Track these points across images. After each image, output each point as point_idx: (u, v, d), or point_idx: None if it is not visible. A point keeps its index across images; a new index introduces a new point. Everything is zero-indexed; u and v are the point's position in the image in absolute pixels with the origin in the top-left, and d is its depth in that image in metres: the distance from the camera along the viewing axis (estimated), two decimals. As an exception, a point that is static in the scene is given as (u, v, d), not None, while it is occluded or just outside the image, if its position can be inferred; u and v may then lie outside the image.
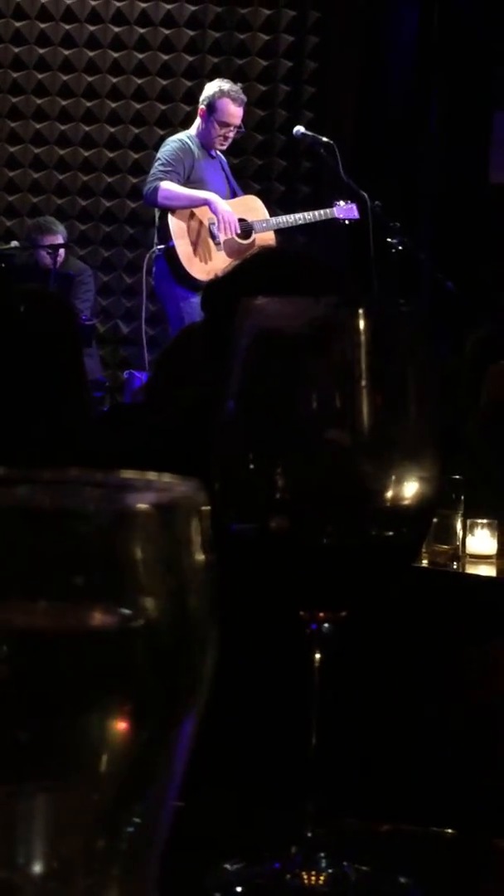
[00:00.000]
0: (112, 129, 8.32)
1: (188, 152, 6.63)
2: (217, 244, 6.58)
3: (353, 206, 6.80)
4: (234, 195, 6.83)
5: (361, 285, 6.40)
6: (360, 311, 0.73)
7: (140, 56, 8.28)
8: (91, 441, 2.28)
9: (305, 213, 6.86)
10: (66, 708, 0.41)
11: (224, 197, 6.71)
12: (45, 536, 0.40)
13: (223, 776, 0.80)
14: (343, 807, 0.78)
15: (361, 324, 0.73)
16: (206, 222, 6.61)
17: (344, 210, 6.82)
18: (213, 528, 0.73)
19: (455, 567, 2.90)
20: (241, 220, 6.69)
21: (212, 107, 6.65)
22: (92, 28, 8.33)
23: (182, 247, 6.54)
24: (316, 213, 6.88)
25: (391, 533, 0.73)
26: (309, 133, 6.83)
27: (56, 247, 7.13)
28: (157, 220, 6.70)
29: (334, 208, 6.84)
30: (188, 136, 6.75)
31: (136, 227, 8.26)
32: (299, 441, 0.73)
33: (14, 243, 7.41)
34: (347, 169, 6.78)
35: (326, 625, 0.75)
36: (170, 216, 6.58)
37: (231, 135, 6.73)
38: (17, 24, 8.34)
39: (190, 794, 0.63)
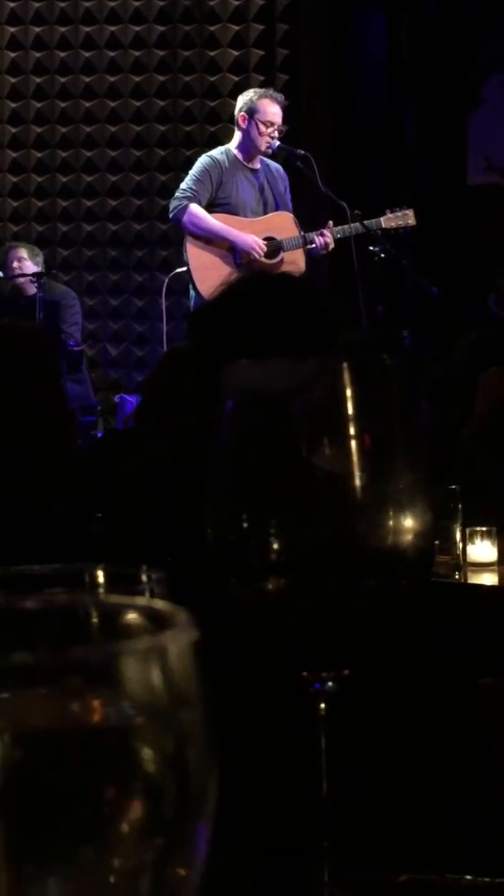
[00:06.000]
0: (113, 153, 8.38)
1: (216, 168, 6.48)
2: (239, 265, 6.36)
3: (410, 213, 6.67)
4: (265, 211, 6.61)
5: (346, 298, 6.39)
6: (345, 367, 0.72)
7: (137, 79, 8.34)
8: (81, 478, 2.27)
9: (344, 227, 6.58)
10: (68, 803, 0.41)
11: (254, 213, 6.54)
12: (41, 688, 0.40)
13: (237, 841, 0.79)
14: (358, 856, 0.77)
15: (347, 380, 0.72)
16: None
17: (395, 219, 6.67)
18: (211, 591, 0.72)
19: (457, 577, 2.90)
20: (269, 239, 6.47)
21: (252, 110, 6.49)
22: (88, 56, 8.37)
23: (200, 276, 6.35)
24: (356, 225, 6.62)
25: (390, 587, 0.73)
26: (285, 146, 6.81)
27: (38, 275, 7.12)
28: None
29: (381, 218, 6.67)
30: (224, 150, 6.60)
31: (118, 249, 8.30)
32: (291, 501, 0.72)
33: (-1, 274, 7.41)
34: (325, 180, 6.78)
35: (329, 684, 0.74)
36: (188, 243, 6.42)
37: (276, 135, 6.53)
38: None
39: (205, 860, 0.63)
